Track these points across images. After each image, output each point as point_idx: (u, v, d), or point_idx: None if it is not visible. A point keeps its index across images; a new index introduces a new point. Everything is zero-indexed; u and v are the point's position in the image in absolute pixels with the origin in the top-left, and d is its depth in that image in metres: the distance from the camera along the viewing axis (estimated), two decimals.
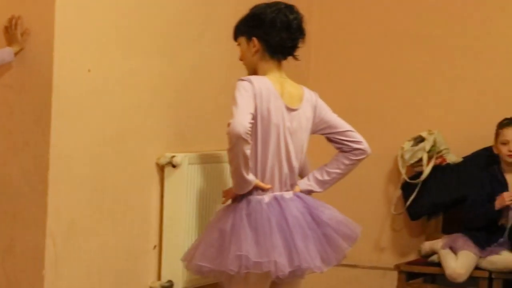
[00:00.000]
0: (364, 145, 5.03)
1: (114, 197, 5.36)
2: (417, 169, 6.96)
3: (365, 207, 7.29)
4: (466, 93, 7.12)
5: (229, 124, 4.43)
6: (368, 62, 7.39)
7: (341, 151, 4.95)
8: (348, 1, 7.51)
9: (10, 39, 5.14)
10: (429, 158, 6.90)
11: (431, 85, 7.22)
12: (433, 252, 6.70)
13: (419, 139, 6.97)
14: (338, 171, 4.94)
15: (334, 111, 7.10)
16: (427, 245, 6.79)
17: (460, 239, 6.55)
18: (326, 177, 4.95)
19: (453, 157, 6.96)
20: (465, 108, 7.12)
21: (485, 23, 7.12)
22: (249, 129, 4.40)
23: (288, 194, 4.63)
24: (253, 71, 4.81)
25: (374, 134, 6.94)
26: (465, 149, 6.99)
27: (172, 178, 5.92)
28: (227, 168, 5.80)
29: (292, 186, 4.75)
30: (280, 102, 4.62)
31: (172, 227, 5.74)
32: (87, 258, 5.13)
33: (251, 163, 4.53)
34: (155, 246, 5.69)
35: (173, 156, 5.90)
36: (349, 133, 5.01)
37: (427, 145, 6.91)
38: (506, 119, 6.62)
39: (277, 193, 4.60)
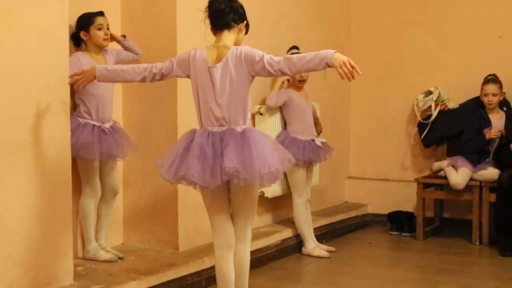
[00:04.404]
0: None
1: None
2: (428, 113, 7.01)
3: (394, 140, 7.38)
4: (459, 60, 7.11)
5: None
6: (395, 38, 7.35)
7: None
8: None
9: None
10: (436, 105, 6.94)
11: (435, 56, 7.20)
12: (441, 169, 6.75)
13: (429, 92, 7.00)
14: None
15: (369, 74, 7.16)
16: (436, 165, 6.86)
17: (459, 160, 6.56)
18: None
19: (452, 104, 6.97)
20: (460, 69, 7.08)
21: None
22: None
23: (218, 129, 3.98)
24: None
25: (398, 90, 7.30)
26: (461, 98, 6.96)
27: (260, 123, 6.13)
28: None
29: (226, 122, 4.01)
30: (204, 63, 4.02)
31: None
32: None
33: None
34: None
35: (260, 107, 6.14)
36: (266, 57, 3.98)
37: (434, 96, 6.94)
38: (489, 75, 6.58)
39: (209, 128, 4.00)
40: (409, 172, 7.33)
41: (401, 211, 7.10)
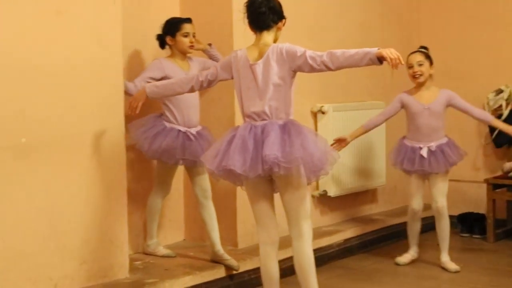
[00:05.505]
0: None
1: None
2: (499, 112, 6.84)
3: (465, 141, 6.93)
4: None
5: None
6: (465, 36, 7.21)
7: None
8: None
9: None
10: (507, 104, 6.80)
11: (507, 53, 7.03)
12: None
13: (499, 91, 6.87)
14: None
15: (439, 72, 6.69)
16: (507, 165, 6.71)
17: None
18: None
19: None
20: None
21: None
22: None
23: (260, 123, 4.02)
24: None
25: (468, 89, 7.01)
26: None
27: (322, 122, 6.13)
28: (358, 113, 6.01)
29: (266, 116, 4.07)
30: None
31: None
32: None
33: None
34: None
35: (322, 106, 6.13)
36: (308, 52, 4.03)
37: (505, 95, 6.82)
38: None
39: (252, 122, 4.05)
40: (481, 172, 7.12)
41: (472, 213, 6.94)
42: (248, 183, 4.12)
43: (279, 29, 4.17)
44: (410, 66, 5.63)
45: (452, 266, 5.70)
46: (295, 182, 4.03)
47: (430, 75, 5.67)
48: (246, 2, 4.17)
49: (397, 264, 5.83)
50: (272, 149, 3.90)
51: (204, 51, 5.27)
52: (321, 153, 4.01)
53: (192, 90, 4.32)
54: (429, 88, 5.69)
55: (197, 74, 4.28)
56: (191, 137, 4.97)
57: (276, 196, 4.23)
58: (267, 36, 4.13)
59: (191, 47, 5.03)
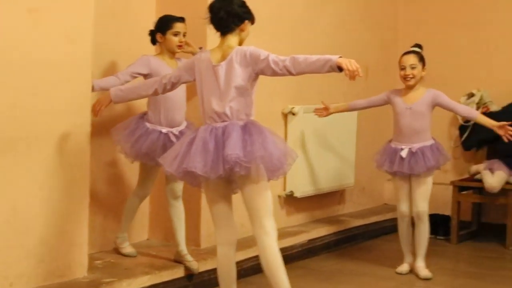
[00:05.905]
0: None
1: None
2: None
3: None
4: (504, 62, 7.03)
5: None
6: (440, 40, 7.28)
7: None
8: None
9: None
10: (478, 107, 6.81)
11: (479, 57, 7.15)
12: (478, 172, 6.69)
13: (471, 95, 6.94)
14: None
15: None
16: (474, 168, 6.81)
17: (496, 163, 6.52)
18: None
19: (494, 107, 6.88)
20: (502, 72, 7.02)
21: None
22: None
23: (221, 124, 4.08)
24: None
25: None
26: (503, 101, 6.89)
27: (292, 123, 6.18)
28: (330, 116, 6.04)
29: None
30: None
31: None
32: None
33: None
34: None
35: (293, 107, 6.18)
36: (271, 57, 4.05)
37: (476, 99, 6.88)
38: None
39: (213, 124, 4.12)
40: (449, 175, 7.20)
41: (438, 214, 7.00)
42: (208, 185, 4.15)
43: (242, 30, 4.18)
44: (403, 68, 5.54)
45: (424, 272, 5.66)
46: (256, 180, 4.06)
47: (421, 77, 5.60)
48: (208, 8, 4.20)
49: (398, 274, 5.73)
50: (234, 149, 3.95)
51: (193, 54, 5.13)
52: (281, 153, 4.06)
53: (156, 93, 4.37)
54: (417, 89, 5.60)
55: (160, 77, 4.33)
56: (172, 137, 4.93)
57: (236, 198, 4.29)
58: (231, 39, 4.16)
59: (180, 46, 5.00)
